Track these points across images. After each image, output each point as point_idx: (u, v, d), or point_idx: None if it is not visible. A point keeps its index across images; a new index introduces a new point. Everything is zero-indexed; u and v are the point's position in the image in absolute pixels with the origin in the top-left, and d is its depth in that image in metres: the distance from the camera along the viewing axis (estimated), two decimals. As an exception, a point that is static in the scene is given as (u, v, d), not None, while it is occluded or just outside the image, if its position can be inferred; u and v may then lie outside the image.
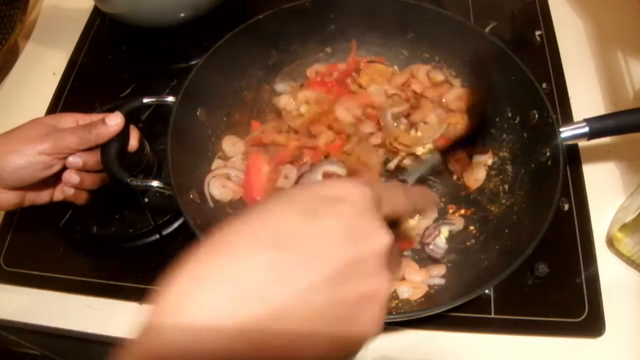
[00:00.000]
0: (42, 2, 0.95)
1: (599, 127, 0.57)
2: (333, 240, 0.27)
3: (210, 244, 0.27)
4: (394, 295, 0.59)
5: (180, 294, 0.25)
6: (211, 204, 0.64)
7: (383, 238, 0.29)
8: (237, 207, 0.66)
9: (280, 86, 0.74)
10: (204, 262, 0.26)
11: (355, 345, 0.29)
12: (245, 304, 0.24)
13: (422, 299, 0.58)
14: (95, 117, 0.56)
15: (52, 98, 0.80)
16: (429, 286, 0.59)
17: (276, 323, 0.25)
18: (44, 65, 0.85)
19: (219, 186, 0.65)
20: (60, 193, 0.58)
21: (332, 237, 0.27)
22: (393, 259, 0.30)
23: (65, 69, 0.84)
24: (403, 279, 0.60)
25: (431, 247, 0.62)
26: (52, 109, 0.79)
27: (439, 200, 0.55)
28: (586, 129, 0.57)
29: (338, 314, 0.27)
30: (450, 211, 0.65)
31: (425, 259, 0.62)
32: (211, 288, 0.25)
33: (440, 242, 0.62)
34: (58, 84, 0.82)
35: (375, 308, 0.28)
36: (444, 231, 0.62)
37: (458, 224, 0.63)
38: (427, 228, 0.63)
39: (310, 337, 0.26)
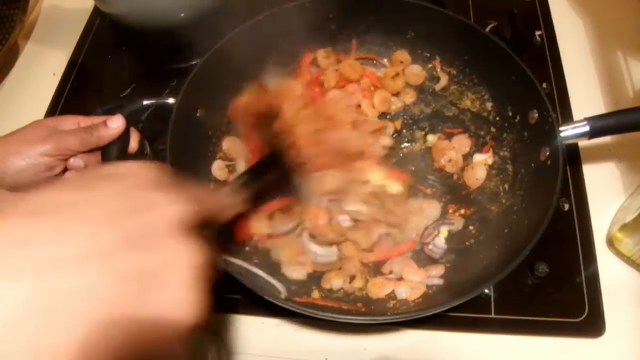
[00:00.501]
0: (42, 2, 0.95)
1: (599, 126, 0.57)
2: (109, 209, 0.25)
3: None
4: (391, 295, 0.59)
5: None
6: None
7: (172, 206, 0.27)
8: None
9: (268, 78, 0.73)
10: None
11: (161, 330, 0.24)
12: None
13: (420, 299, 0.58)
14: (96, 119, 0.56)
15: (52, 98, 0.80)
16: (427, 286, 0.59)
17: (36, 304, 0.21)
18: (44, 65, 0.85)
19: (222, 167, 0.67)
20: None
21: (109, 206, 0.25)
22: (197, 236, 0.27)
23: (65, 69, 0.84)
24: (401, 279, 0.60)
25: (430, 247, 0.62)
26: (52, 109, 0.79)
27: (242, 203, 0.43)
28: (587, 128, 0.57)
29: (120, 288, 0.23)
30: (450, 211, 0.65)
31: (424, 259, 0.62)
32: None
33: (439, 242, 0.62)
34: (58, 84, 0.82)
35: (174, 283, 0.25)
36: (444, 231, 0.62)
37: (458, 224, 0.63)
38: (426, 228, 0.63)
39: (93, 316, 0.22)
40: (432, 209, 0.64)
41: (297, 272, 0.60)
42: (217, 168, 0.67)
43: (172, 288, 0.25)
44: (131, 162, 0.29)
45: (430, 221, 0.64)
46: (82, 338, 0.22)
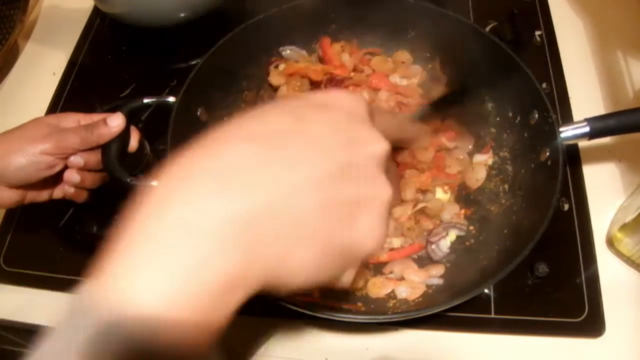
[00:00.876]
0: (42, 2, 0.95)
1: (600, 126, 0.57)
2: (325, 141, 0.27)
3: (198, 144, 0.26)
4: (391, 295, 0.59)
5: (163, 195, 0.24)
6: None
7: (378, 144, 0.29)
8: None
9: (288, 52, 0.73)
10: (189, 160, 0.25)
11: (350, 255, 0.28)
12: (230, 198, 0.24)
13: (420, 298, 0.58)
14: (96, 117, 0.56)
15: (52, 98, 0.80)
16: (427, 286, 0.59)
17: (264, 218, 0.24)
18: (44, 65, 0.85)
19: None
20: (60, 191, 0.58)
21: (325, 138, 0.27)
22: (391, 174, 0.30)
23: (65, 69, 0.84)
24: (402, 279, 0.60)
25: (433, 247, 0.61)
26: (52, 109, 0.79)
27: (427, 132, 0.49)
28: (587, 129, 0.56)
29: (331, 214, 0.26)
30: (451, 211, 0.65)
31: (424, 259, 0.62)
32: (193, 185, 0.24)
33: (443, 244, 0.61)
34: (58, 84, 0.81)
35: (372, 214, 0.28)
36: (452, 234, 0.62)
37: (466, 228, 0.63)
38: (436, 226, 0.63)
39: (302, 237, 0.25)
40: (448, 211, 0.64)
41: None
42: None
43: (370, 218, 0.27)
44: (336, 92, 0.30)
45: (447, 216, 0.64)
46: (298, 256, 0.25)
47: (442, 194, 0.65)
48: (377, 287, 0.59)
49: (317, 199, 0.25)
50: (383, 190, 0.28)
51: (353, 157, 0.27)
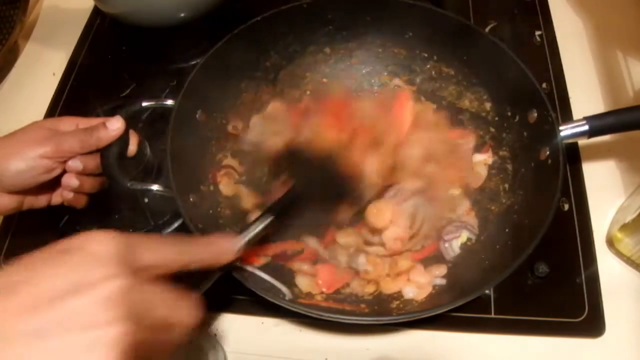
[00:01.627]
0: (42, 2, 0.95)
1: (599, 125, 0.57)
2: (40, 291, 0.28)
3: None
4: (394, 296, 0.59)
5: None
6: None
7: (104, 286, 0.29)
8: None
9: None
10: None
11: None
12: None
13: (424, 299, 0.58)
14: (95, 120, 0.56)
15: (52, 98, 0.80)
16: (431, 286, 0.59)
17: None
18: (44, 65, 0.85)
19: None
20: (58, 197, 0.58)
21: (41, 288, 0.28)
22: (139, 303, 0.30)
23: (65, 69, 0.84)
24: (408, 279, 0.60)
25: (446, 245, 0.61)
26: (52, 109, 0.79)
27: (233, 252, 0.44)
28: (586, 127, 0.56)
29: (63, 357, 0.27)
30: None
31: (428, 259, 0.62)
32: None
33: (455, 245, 0.61)
34: (58, 84, 0.82)
35: (97, 356, 0.28)
36: (463, 236, 0.62)
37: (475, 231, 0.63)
38: (450, 224, 0.63)
39: None
40: (461, 207, 0.64)
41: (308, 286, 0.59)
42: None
43: (97, 354, 0.27)
44: (87, 233, 0.31)
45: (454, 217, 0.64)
46: None
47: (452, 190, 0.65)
48: (389, 284, 0.59)
49: (27, 350, 0.26)
50: (107, 330, 0.28)
51: (74, 303, 0.28)
